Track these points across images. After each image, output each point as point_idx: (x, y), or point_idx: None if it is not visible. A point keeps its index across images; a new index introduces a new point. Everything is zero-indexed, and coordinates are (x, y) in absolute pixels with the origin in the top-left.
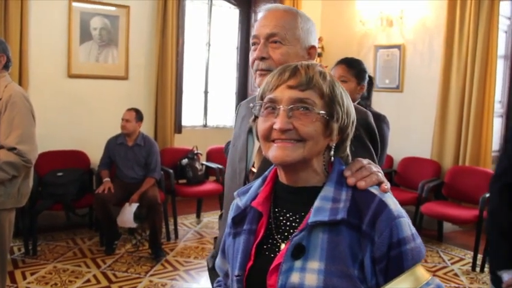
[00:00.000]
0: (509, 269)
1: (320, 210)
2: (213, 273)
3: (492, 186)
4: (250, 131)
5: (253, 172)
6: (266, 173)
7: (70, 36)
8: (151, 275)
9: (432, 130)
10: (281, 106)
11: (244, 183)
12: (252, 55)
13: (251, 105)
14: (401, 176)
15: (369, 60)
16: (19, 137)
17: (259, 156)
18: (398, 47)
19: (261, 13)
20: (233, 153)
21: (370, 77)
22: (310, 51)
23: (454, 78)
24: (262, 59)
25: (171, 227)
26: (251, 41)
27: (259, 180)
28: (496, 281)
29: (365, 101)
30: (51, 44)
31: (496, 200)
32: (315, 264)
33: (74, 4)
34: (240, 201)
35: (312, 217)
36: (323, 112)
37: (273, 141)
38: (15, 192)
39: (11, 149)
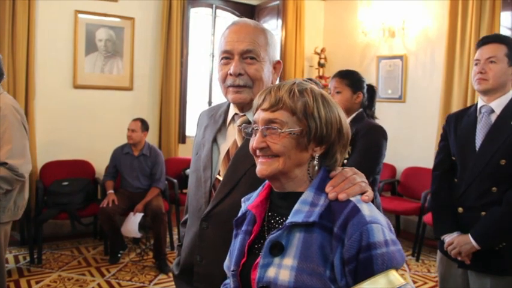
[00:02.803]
0: (449, 233)
1: (297, 212)
2: (178, 281)
3: (433, 174)
4: (214, 140)
5: (218, 180)
6: (266, 181)
7: (76, 48)
8: (155, 284)
9: (435, 140)
10: (259, 127)
11: (210, 191)
12: (223, 69)
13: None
14: (404, 185)
15: (372, 71)
16: (9, 152)
17: (225, 164)
18: (400, 57)
19: (230, 27)
20: (197, 162)
21: (371, 86)
22: (276, 65)
23: (456, 89)
24: (239, 75)
25: (175, 236)
26: (221, 55)
27: (260, 187)
28: (441, 244)
29: (364, 109)
30: (57, 55)
31: (437, 184)
32: (289, 261)
33: (80, 16)
34: (243, 206)
35: (289, 218)
36: (289, 130)
37: (258, 157)
38: (11, 206)
39: (2, 164)
